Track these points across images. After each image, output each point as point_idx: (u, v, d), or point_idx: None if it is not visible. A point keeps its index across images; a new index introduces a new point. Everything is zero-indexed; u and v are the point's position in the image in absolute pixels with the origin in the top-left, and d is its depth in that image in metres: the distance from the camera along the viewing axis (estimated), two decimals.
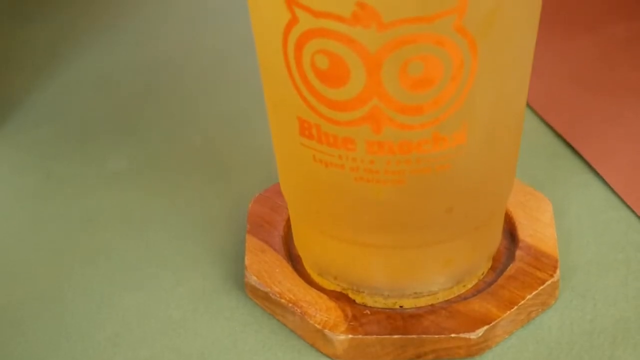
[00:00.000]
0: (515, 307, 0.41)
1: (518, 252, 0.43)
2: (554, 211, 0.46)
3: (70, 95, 0.55)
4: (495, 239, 0.42)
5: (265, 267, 0.43)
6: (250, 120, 0.53)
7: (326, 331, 0.40)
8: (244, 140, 0.52)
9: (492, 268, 0.43)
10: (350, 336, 0.40)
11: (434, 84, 0.35)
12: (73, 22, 0.60)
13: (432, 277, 0.41)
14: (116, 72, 0.56)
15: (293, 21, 0.35)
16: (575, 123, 0.51)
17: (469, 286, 0.42)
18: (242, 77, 0.55)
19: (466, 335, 0.40)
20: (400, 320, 0.40)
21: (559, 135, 0.51)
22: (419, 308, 0.41)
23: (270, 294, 0.42)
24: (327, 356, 0.41)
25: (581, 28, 0.57)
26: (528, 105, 0.52)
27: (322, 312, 0.41)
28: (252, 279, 0.42)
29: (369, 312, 0.41)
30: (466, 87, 0.35)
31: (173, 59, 0.57)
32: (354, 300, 0.42)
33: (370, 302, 0.41)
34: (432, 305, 0.41)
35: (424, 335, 0.40)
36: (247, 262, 0.43)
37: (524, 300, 0.41)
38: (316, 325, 0.40)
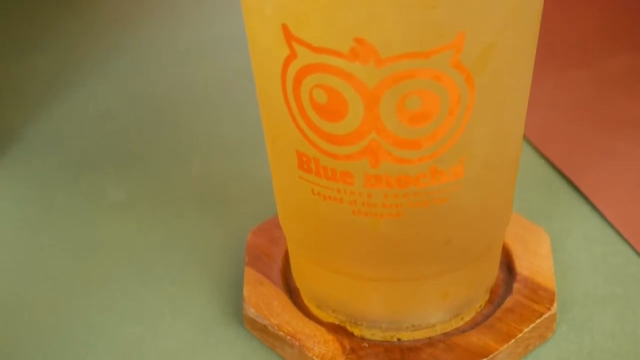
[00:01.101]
0: (513, 340, 0.41)
1: (515, 285, 0.43)
2: (551, 244, 0.46)
3: (69, 127, 0.55)
4: (492, 271, 0.43)
5: (264, 300, 0.43)
6: (249, 151, 0.53)
7: None
8: (243, 171, 0.52)
9: (489, 301, 0.43)
10: None
11: (431, 119, 0.35)
12: (72, 54, 0.60)
13: (430, 309, 0.41)
14: (115, 104, 0.57)
15: (292, 56, 0.35)
16: (572, 156, 0.51)
17: (467, 319, 0.42)
18: (241, 109, 0.56)
19: None
20: (398, 353, 0.40)
21: (556, 168, 0.51)
22: (416, 341, 0.41)
23: (269, 327, 0.42)
24: None
25: (577, 62, 0.58)
26: (525, 138, 0.53)
27: (321, 344, 0.41)
28: (251, 311, 0.43)
29: (367, 345, 0.41)
30: (463, 122, 0.36)
31: (172, 91, 0.58)
32: (352, 333, 0.42)
33: (368, 334, 0.41)
34: (429, 338, 0.41)
35: None
36: (245, 294, 0.43)
37: (522, 334, 0.41)
38: (314, 357, 0.40)
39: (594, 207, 0.49)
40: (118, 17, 0.63)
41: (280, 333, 0.41)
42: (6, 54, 0.61)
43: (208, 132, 0.55)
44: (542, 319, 0.41)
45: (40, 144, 0.54)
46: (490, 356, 0.40)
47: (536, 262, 0.44)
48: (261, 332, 0.43)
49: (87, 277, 0.46)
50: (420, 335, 0.41)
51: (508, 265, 0.44)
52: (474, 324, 0.42)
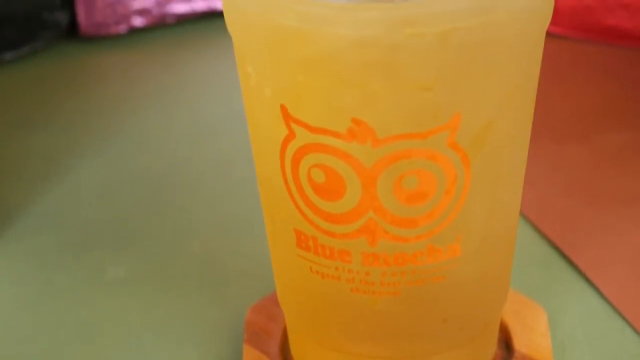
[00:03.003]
0: None
1: None
2: (548, 321, 0.46)
3: (68, 206, 0.56)
4: (490, 349, 0.43)
5: None
6: (247, 229, 0.53)
7: None
8: (242, 249, 0.52)
9: None
10: None
11: (428, 198, 0.36)
12: (71, 134, 0.61)
13: None
14: (114, 183, 0.57)
15: (290, 136, 0.36)
16: (568, 232, 0.51)
17: None
18: (239, 187, 0.56)
19: None
20: None
21: (552, 244, 0.51)
22: None
23: None
24: None
25: (573, 138, 0.58)
26: (521, 215, 0.53)
27: None
28: None
29: None
30: (460, 201, 0.36)
31: (170, 169, 0.58)
32: None
33: None
34: None
35: None
36: None
37: None
38: None
39: (591, 284, 0.49)
40: (117, 97, 0.64)
41: None
42: (5, 133, 0.61)
43: (207, 210, 0.55)
44: None
45: (39, 222, 0.54)
46: None
47: (534, 339, 0.44)
48: None
49: (85, 356, 0.46)
50: None
51: (506, 342, 0.44)
52: None
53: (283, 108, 0.35)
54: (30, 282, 0.51)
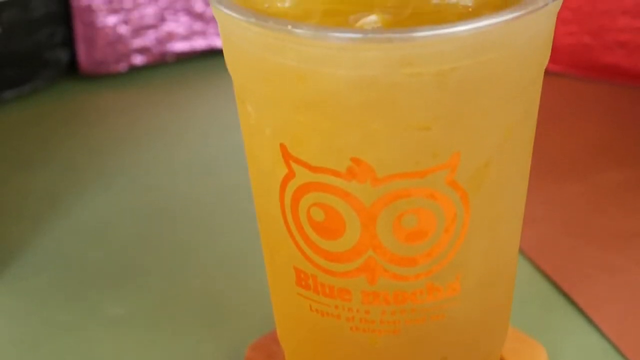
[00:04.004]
0: None
1: None
2: (548, 358, 0.46)
3: (69, 243, 0.56)
4: None
5: None
6: (247, 266, 0.53)
7: None
8: (241, 286, 0.52)
9: None
10: None
11: (427, 236, 0.36)
12: (72, 170, 0.61)
13: None
14: (114, 219, 0.57)
15: (290, 175, 0.36)
16: (568, 270, 0.52)
17: None
18: (239, 224, 0.56)
19: None
20: None
21: (552, 282, 0.51)
22: None
23: None
24: None
25: (572, 175, 0.58)
26: (521, 252, 0.53)
27: None
28: None
29: None
30: (459, 239, 0.36)
31: (170, 206, 0.58)
32: None
33: None
34: None
35: None
36: None
37: None
38: None
39: (590, 321, 0.49)
40: (117, 135, 0.64)
41: None
42: (5, 172, 0.61)
43: (206, 247, 0.55)
44: None
45: (39, 261, 0.54)
46: None
47: None
48: None
49: None
50: None
51: None
52: None
53: (283, 147, 0.35)
54: (30, 321, 0.51)
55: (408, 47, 0.33)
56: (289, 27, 0.33)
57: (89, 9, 0.66)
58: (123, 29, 0.67)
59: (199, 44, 0.69)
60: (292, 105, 0.35)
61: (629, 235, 0.54)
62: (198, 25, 0.69)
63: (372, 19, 0.34)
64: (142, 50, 0.68)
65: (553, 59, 0.65)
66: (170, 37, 0.68)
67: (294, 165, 0.35)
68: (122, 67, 0.68)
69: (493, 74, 0.35)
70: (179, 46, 0.69)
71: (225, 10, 0.34)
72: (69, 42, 0.67)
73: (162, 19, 0.68)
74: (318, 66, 0.33)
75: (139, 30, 0.67)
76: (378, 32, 0.33)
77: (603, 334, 0.48)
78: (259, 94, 0.36)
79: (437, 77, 0.33)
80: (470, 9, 0.34)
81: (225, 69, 0.38)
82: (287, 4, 0.35)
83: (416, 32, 0.32)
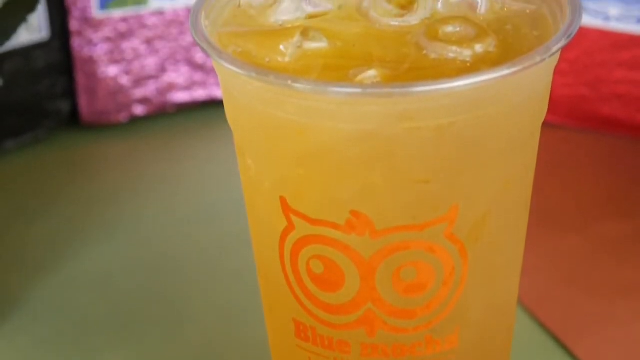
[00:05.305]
0: None
1: None
2: None
3: (68, 293, 0.56)
4: None
5: None
6: (246, 317, 0.53)
7: None
8: (240, 336, 0.52)
9: None
10: None
11: (426, 289, 0.36)
12: (72, 220, 0.61)
13: None
14: (114, 269, 0.57)
15: (289, 228, 0.36)
16: (567, 322, 0.52)
17: None
18: (238, 275, 0.56)
19: None
20: None
21: (551, 334, 0.51)
22: None
23: None
24: None
25: (571, 227, 0.58)
26: (520, 304, 0.53)
27: None
28: None
29: None
30: (457, 292, 0.36)
31: (171, 256, 0.58)
32: None
33: None
34: None
35: None
36: None
37: None
38: None
39: None
40: (117, 185, 0.64)
41: None
42: (5, 222, 0.61)
43: (206, 298, 0.55)
44: None
45: (40, 310, 0.54)
46: None
47: None
48: None
49: None
50: None
51: None
52: None
53: (282, 200, 0.36)
54: None
55: (407, 102, 0.33)
56: (289, 81, 0.33)
57: (91, 60, 0.66)
58: (124, 80, 0.67)
59: (200, 94, 0.69)
60: (292, 158, 0.35)
61: (629, 287, 0.54)
62: (199, 76, 0.69)
63: (372, 73, 0.34)
64: (143, 101, 0.68)
65: (550, 110, 0.66)
66: (171, 87, 0.68)
67: (293, 218, 0.36)
68: (123, 117, 0.68)
69: (491, 128, 0.35)
70: (180, 96, 0.69)
71: (226, 65, 0.34)
72: (70, 92, 0.67)
73: (162, 70, 0.68)
74: (318, 120, 0.34)
75: (139, 81, 0.68)
76: (377, 86, 0.33)
77: None
78: (259, 147, 0.36)
79: (436, 131, 0.34)
80: (468, 64, 0.35)
81: (226, 120, 0.39)
82: (287, 59, 0.35)
83: (415, 87, 0.33)
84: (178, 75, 0.68)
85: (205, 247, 0.59)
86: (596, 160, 0.64)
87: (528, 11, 0.37)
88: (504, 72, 0.33)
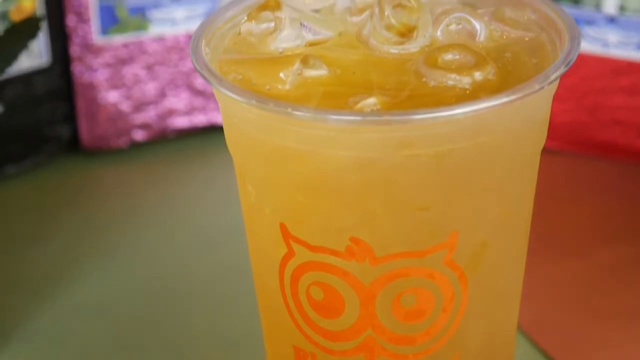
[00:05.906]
0: None
1: None
2: None
3: (69, 318, 0.56)
4: None
5: None
6: (246, 343, 0.53)
7: None
8: None
9: None
10: None
11: (425, 315, 0.36)
12: (72, 246, 0.61)
13: None
14: (114, 295, 0.57)
15: (289, 254, 0.36)
16: (567, 347, 0.51)
17: None
18: (238, 300, 0.56)
19: None
20: None
21: (551, 359, 0.51)
22: None
23: None
24: None
25: (571, 253, 0.58)
26: (520, 329, 0.53)
27: None
28: None
29: None
30: (457, 318, 0.36)
31: (171, 282, 0.58)
32: None
33: None
34: None
35: None
36: None
37: None
38: None
39: None
40: (117, 210, 0.64)
41: None
42: (5, 247, 0.61)
43: (205, 325, 0.55)
44: None
45: (39, 335, 0.54)
46: None
47: None
48: None
49: None
50: None
51: None
52: None
53: (283, 227, 0.36)
54: None
55: (406, 129, 0.33)
56: (289, 109, 0.33)
57: (91, 86, 0.66)
58: (124, 105, 0.67)
59: (200, 119, 0.69)
60: (292, 185, 0.35)
61: (629, 312, 0.54)
62: (199, 101, 0.69)
63: (371, 101, 0.34)
64: (143, 126, 0.69)
65: (550, 136, 0.66)
66: (171, 113, 0.69)
67: (293, 245, 0.36)
68: (123, 142, 0.69)
69: (490, 155, 0.35)
70: (180, 122, 0.69)
71: (227, 92, 0.35)
72: (71, 117, 0.67)
73: (163, 95, 0.68)
74: (318, 147, 0.34)
75: (140, 106, 0.68)
76: (377, 114, 0.33)
77: None
78: (259, 174, 0.36)
79: (435, 158, 0.34)
80: (467, 92, 0.35)
81: (226, 146, 0.39)
82: (287, 87, 0.35)
83: (414, 114, 0.33)
84: (178, 100, 0.69)
85: (205, 273, 0.59)
86: (596, 185, 0.64)
87: (527, 39, 0.38)
88: (503, 99, 0.33)
